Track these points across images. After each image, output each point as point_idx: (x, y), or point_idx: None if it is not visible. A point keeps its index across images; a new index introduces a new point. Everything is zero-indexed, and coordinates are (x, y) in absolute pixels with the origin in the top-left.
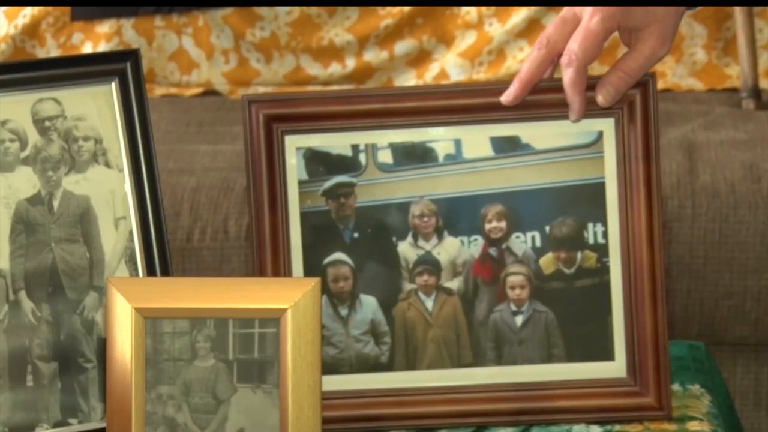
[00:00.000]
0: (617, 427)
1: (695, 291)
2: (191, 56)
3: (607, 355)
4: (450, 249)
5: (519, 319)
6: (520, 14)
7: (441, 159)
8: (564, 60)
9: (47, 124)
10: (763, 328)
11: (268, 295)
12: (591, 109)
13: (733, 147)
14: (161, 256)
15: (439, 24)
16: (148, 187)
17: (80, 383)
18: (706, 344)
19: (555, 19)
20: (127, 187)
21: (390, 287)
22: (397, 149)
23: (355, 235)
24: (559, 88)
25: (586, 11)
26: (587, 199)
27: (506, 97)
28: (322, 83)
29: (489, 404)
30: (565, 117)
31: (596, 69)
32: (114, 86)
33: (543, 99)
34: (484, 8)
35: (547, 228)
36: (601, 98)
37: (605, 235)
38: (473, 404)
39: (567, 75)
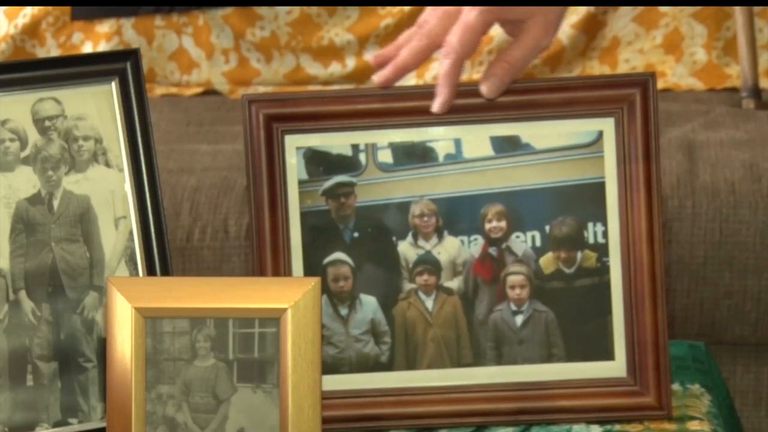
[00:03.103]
0: (617, 427)
1: (695, 291)
2: (191, 56)
3: (607, 354)
4: (450, 249)
5: (519, 319)
6: None
7: (441, 158)
8: (443, 51)
9: (47, 123)
10: (763, 328)
11: (268, 294)
12: (591, 109)
13: (733, 147)
14: (161, 256)
15: None
16: (148, 187)
17: (80, 383)
18: (706, 344)
19: (438, 11)
20: (127, 187)
21: (390, 287)
22: (397, 149)
23: (355, 234)
24: (558, 87)
25: (467, 6)
26: (587, 199)
27: (378, 78)
28: (322, 83)
29: (489, 404)
30: (566, 117)
31: (591, 69)
32: (114, 86)
33: (543, 99)
34: None
35: (547, 228)
36: (485, 89)
37: (605, 234)
38: (473, 404)
39: (443, 65)
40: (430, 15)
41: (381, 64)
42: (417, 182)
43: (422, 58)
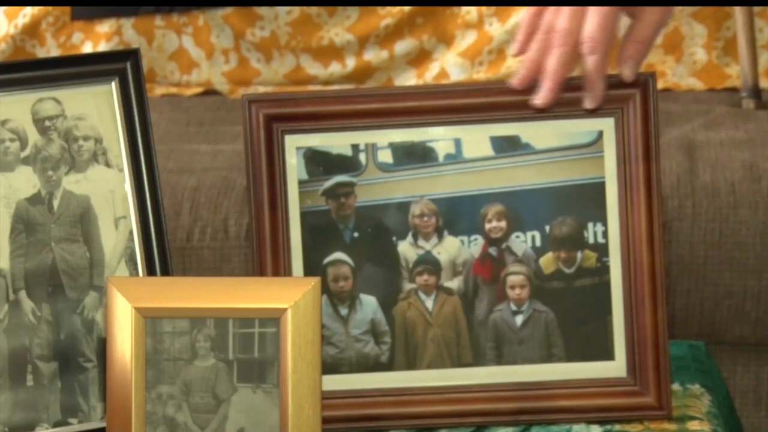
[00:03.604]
0: (617, 426)
1: (695, 291)
2: (191, 56)
3: (607, 354)
4: (450, 249)
5: (519, 319)
6: (520, 14)
7: (441, 158)
8: (586, 48)
9: (47, 123)
10: (763, 328)
11: (268, 294)
12: (591, 109)
13: (733, 147)
14: (161, 256)
15: (439, 24)
16: (148, 187)
17: (80, 383)
18: (706, 344)
19: (563, 13)
20: (127, 187)
21: (390, 287)
22: (397, 149)
23: (355, 234)
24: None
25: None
26: (587, 199)
27: (541, 101)
28: (322, 83)
29: (489, 404)
30: (566, 117)
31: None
32: (114, 86)
33: None
34: (484, 8)
35: (547, 228)
36: (626, 72)
37: (605, 234)
38: (473, 404)
39: (591, 61)
40: (555, 17)
41: (527, 84)
42: (417, 182)
43: (573, 64)
